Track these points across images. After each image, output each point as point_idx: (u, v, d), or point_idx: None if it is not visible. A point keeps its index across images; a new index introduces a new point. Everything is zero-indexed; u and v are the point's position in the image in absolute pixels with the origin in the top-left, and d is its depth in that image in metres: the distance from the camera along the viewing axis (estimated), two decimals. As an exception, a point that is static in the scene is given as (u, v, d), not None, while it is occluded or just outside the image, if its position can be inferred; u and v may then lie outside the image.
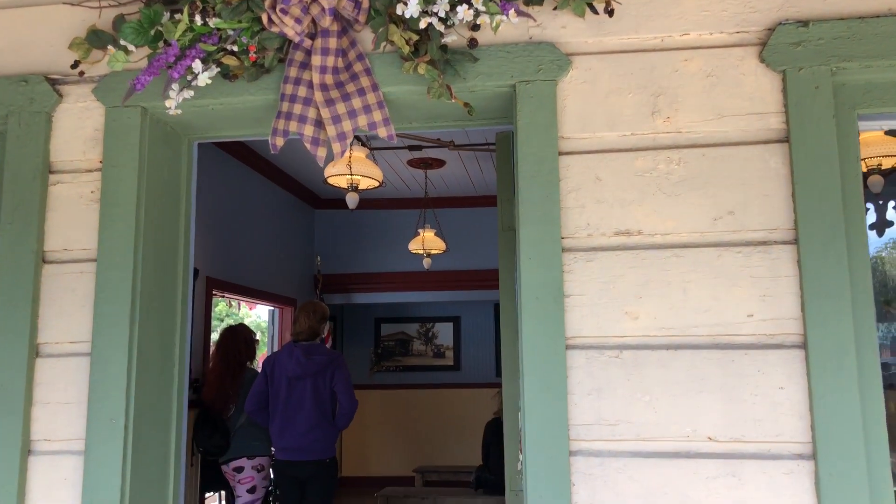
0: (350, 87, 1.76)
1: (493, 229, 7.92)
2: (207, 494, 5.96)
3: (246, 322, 7.20)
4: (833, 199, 1.66)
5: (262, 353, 8.05)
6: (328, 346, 7.96)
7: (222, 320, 9.42)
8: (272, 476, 4.84)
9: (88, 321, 1.85)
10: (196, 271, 5.89)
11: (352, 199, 4.53)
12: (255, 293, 6.86)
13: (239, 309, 7.65)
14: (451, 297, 8.51)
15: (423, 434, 9.12)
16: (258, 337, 5.40)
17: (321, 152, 1.78)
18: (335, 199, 8.48)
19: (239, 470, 4.78)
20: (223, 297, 6.35)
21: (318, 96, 1.75)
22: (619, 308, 1.72)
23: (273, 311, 7.82)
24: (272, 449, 4.68)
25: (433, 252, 6.86)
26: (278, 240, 7.56)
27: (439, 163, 7.03)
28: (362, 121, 1.78)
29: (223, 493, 6.00)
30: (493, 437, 5.90)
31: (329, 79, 1.75)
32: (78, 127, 1.96)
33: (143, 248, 1.87)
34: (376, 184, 4.59)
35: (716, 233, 1.72)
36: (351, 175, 4.31)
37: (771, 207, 1.71)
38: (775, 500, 1.60)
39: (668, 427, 1.66)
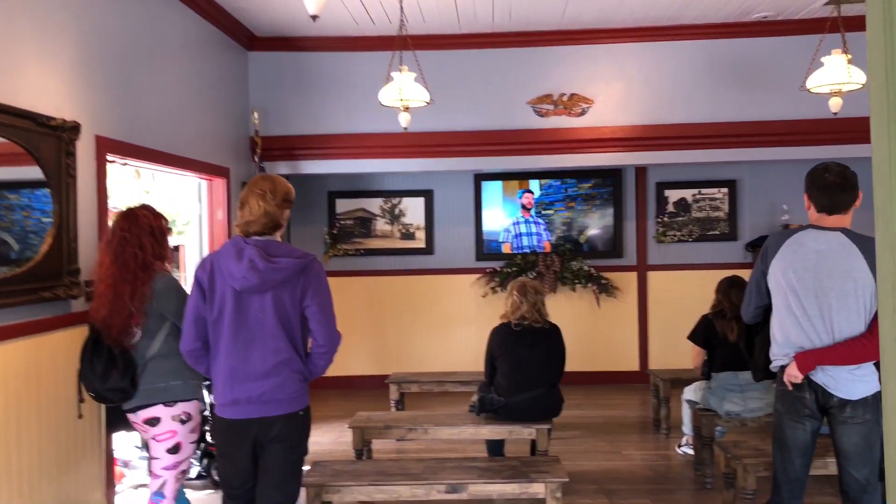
0: None
1: (482, 77, 6.06)
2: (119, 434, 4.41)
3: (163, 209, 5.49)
4: None
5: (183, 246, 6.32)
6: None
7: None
8: (210, 436, 3.32)
9: None
10: (76, 126, 4.08)
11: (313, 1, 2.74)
12: (171, 159, 5.06)
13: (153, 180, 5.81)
14: (421, 167, 6.84)
15: (391, 329, 7.71)
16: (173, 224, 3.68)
17: None
18: (277, 38, 6.53)
19: (153, 422, 3.21)
20: (124, 163, 4.55)
21: None
22: None
23: (200, 183, 6.05)
24: (210, 399, 3.15)
25: (412, 104, 5.12)
26: (201, 89, 5.67)
27: (420, -20, 5.17)
28: None
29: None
30: (502, 348, 4.47)
31: None
32: None
33: None
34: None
35: None
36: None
37: None
38: None
39: None
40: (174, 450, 3.22)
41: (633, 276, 7.65)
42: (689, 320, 7.67)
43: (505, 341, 4.50)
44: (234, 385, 2.82)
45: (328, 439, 5.86)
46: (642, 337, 7.67)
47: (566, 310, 7.51)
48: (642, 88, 6.54)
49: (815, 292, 2.93)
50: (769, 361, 3.12)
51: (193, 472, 4.83)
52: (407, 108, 5.12)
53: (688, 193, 7.64)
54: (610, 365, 7.64)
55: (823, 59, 4.96)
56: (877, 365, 2.91)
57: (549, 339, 4.52)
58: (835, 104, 5.00)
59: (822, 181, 3.01)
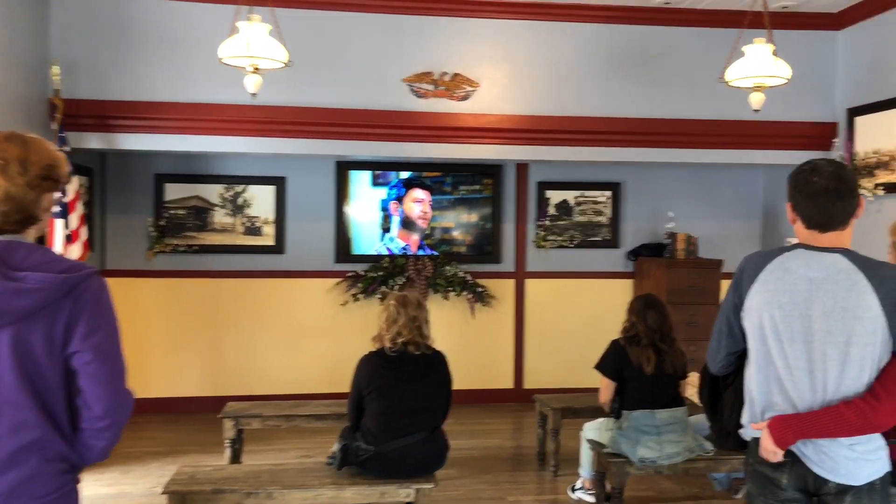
0: None
1: (351, 46, 4.92)
2: None
3: None
4: None
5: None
6: (52, 247, 4.69)
7: None
8: None
9: None
10: None
11: None
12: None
13: None
14: (272, 148, 5.67)
15: (229, 341, 6.46)
16: None
17: None
18: (85, -29, 5.13)
19: None
20: None
21: None
22: None
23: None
24: None
25: (264, 65, 3.99)
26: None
27: None
28: None
29: None
30: (374, 383, 3.48)
31: None
32: None
33: None
34: None
35: None
36: None
37: None
38: None
39: None
40: None
41: (510, 283, 6.89)
42: (568, 334, 7.11)
43: (377, 374, 3.52)
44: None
45: (140, 489, 4.58)
46: (518, 351, 6.93)
47: (436, 320, 6.47)
48: (532, 74, 5.76)
49: (803, 336, 2.14)
50: (741, 425, 2.34)
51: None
52: (257, 70, 3.99)
53: (570, 195, 6.98)
54: (482, 382, 6.84)
55: (745, 49, 4.38)
56: (886, 436, 2.17)
57: (432, 371, 3.60)
58: (756, 100, 4.43)
59: (810, 187, 2.19)
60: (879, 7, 5.53)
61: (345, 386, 3.74)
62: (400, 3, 5.48)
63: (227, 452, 4.50)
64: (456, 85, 5.61)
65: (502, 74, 5.72)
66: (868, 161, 5.62)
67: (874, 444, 2.12)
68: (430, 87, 5.58)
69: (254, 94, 4.12)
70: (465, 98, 5.64)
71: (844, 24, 5.90)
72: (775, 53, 4.29)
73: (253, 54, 3.80)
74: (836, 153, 5.90)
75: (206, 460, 4.92)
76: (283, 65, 4.01)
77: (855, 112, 5.78)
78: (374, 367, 3.51)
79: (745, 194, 7.14)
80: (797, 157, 6.08)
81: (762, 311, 2.20)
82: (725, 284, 6.72)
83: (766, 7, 4.54)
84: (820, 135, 6.01)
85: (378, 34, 5.54)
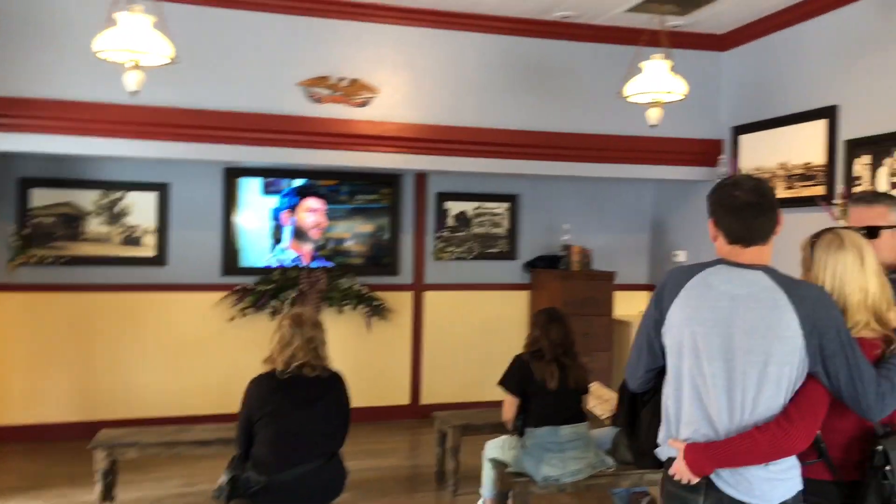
0: None
1: (242, 45, 4.57)
2: None
3: None
4: None
5: None
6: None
7: None
8: None
9: None
10: None
11: None
12: None
13: None
14: (155, 152, 5.26)
15: (104, 361, 5.93)
16: None
17: None
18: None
19: None
20: None
21: None
22: None
23: None
24: None
25: (147, 61, 3.65)
26: None
27: None
28: None
29: None
30: (265, 407, 3.22)
31: None
32: None
33: None
34: None
35: None
36: None
37: None
38: None
39: None
40: None
41: (408, 296, 6.73)
42: (466, 347, 7.01)
43: (269, 397, 3.26)
44: None
45: (-4, 531, 4.09)
46: (415, 366, 6.77)
47: (331, 335, 6.14)
48: (433, 83, 5.64)
49: (723, 353, 2.10)
50: (658, 444, 2.28)
51: None
52: (138, 66, 3.64)
53: (469, 206, 6.91)
54: (377, 399, 6.62)
55: (643, 65, 4.44)
56: (801, 457, 2.16)
57: (329, 393, 3.38)
58: (654, 115, 4.49)
59: (732, 202, 2.17)
60: (760, 31, 5.78)
61: (233, 407, 3.46)
62: (297, 4, 5.23)
63: (98, 487, 4.08)
64: (354, 91, 5.41)
65: (402, 82, 5.58)
66: (751, 178, 5.85)
67: (787, 463, 2.10)
68: (327, 92, 5.36)
69: (134, 93, 3.77)
70: (363, 105, 5.45)
71: (728, 45, 6.14)
72: (673, 70, 4.36)
73: (133, 48, 3.46)
74: (722, 170, 6.11)
75: (74, 495, 4.47)
76: (168, 61, 3.68)
77: (739, 130, 6.02)
78: (266, 391, 3.26)
79: (636, 208, 7.30)
80: (686, 173, 6.32)
81: (683, 327, 2.15)
82: (619, 296, 6.87)
83: (662, 25, 4.62)
84: (707, 151, 6.21)
85: (272, 34, 5.26)
